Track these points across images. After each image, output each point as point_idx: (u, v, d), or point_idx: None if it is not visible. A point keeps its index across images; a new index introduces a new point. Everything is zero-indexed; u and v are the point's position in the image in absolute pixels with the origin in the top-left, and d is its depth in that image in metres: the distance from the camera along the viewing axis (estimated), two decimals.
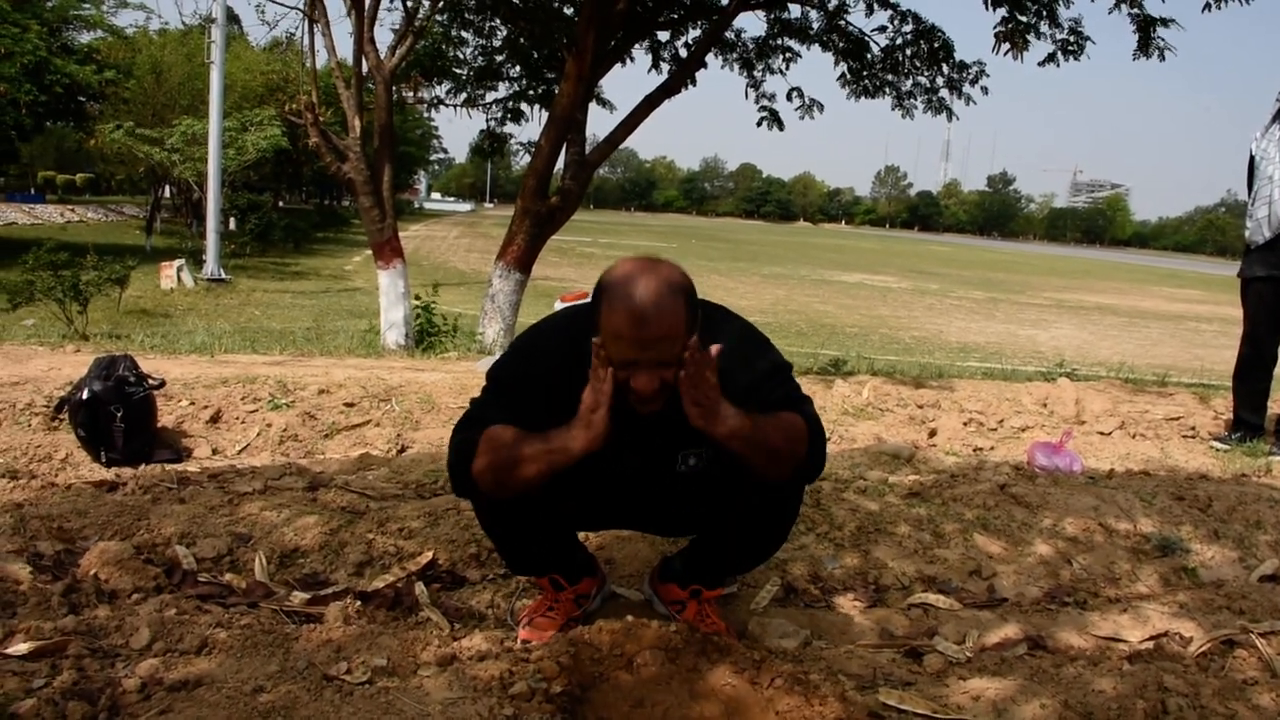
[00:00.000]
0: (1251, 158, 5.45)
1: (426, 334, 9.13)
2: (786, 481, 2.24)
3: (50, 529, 2.91)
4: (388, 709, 1.85)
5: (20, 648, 2.06)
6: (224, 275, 20.45)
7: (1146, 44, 7.89)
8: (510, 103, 10.79)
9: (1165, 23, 7.81)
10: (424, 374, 5.90)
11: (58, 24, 24.49)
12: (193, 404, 4.75)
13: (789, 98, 10.13)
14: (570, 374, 2.10)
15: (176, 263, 19.72)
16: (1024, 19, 8.10)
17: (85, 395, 4.01)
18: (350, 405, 4.95)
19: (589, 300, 2.12)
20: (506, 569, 2.83)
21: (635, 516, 2.53)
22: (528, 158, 9.36)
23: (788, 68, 10.10)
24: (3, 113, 21.54)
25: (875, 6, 9.13)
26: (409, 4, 9.22)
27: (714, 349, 1.97)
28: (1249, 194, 5.49)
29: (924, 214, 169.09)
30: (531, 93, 10.73)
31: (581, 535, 2.72)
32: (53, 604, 2.36)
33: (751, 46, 10.00)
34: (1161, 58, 7.90)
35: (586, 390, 2.04)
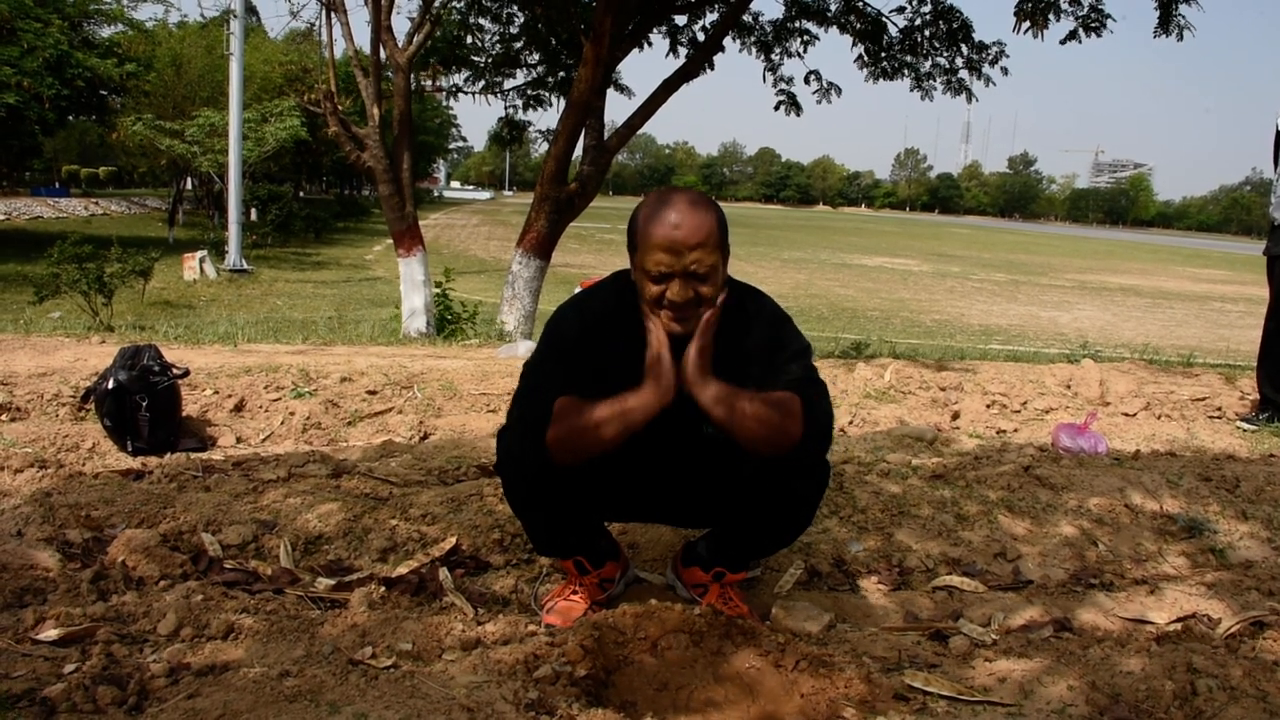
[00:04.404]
0: (1278, 133, 5.37)
1: (446, 321, 9.16)
2: (790, 459, 2.22)
3: (78, 517, 2.94)
4: (413, 693, 1.86)
5: (51, 633, 2.08)
6: (246, 266, 20.57)
7: (1167, 22, 7.80)
8: (529, 90, 10.78)
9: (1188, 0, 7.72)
10: (446, 361, 5.91)
11: (79, 18, 24.60)
12: (216, 393, 4.77)
13: (807, 81, 10.10)
14: (620, 327, 2.16)
15: (199, 254, 19.86)
16: None
17: (111, 385, 4.04)
18: (373, 393, 4.97)
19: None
20: (531, 551, 2.84)
21: (662, 497, 2.53)
22: (546, 145, 9.36)
23: (805, 51, 10.06)
24: (26, 107, 21.65)
25: None
26: None
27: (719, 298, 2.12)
28: (1275, 170, 5.42)
29: (944, 196, 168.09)
30: (550, 79, 10.72)
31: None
32: (82, 591, 2.38)
33: (769, 29, 9.96)
34: (1180, 37, 7.82)
35: (648, 348, 2.11)
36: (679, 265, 2.09)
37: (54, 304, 12.21)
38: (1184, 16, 7.77)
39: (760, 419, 2.11)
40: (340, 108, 9.00)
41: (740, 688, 2.09)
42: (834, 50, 10.27)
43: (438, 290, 9.27)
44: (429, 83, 11.50)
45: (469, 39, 10.52)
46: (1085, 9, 8.15)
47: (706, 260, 2.10)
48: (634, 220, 2.18)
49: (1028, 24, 8.02)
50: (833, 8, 9.66)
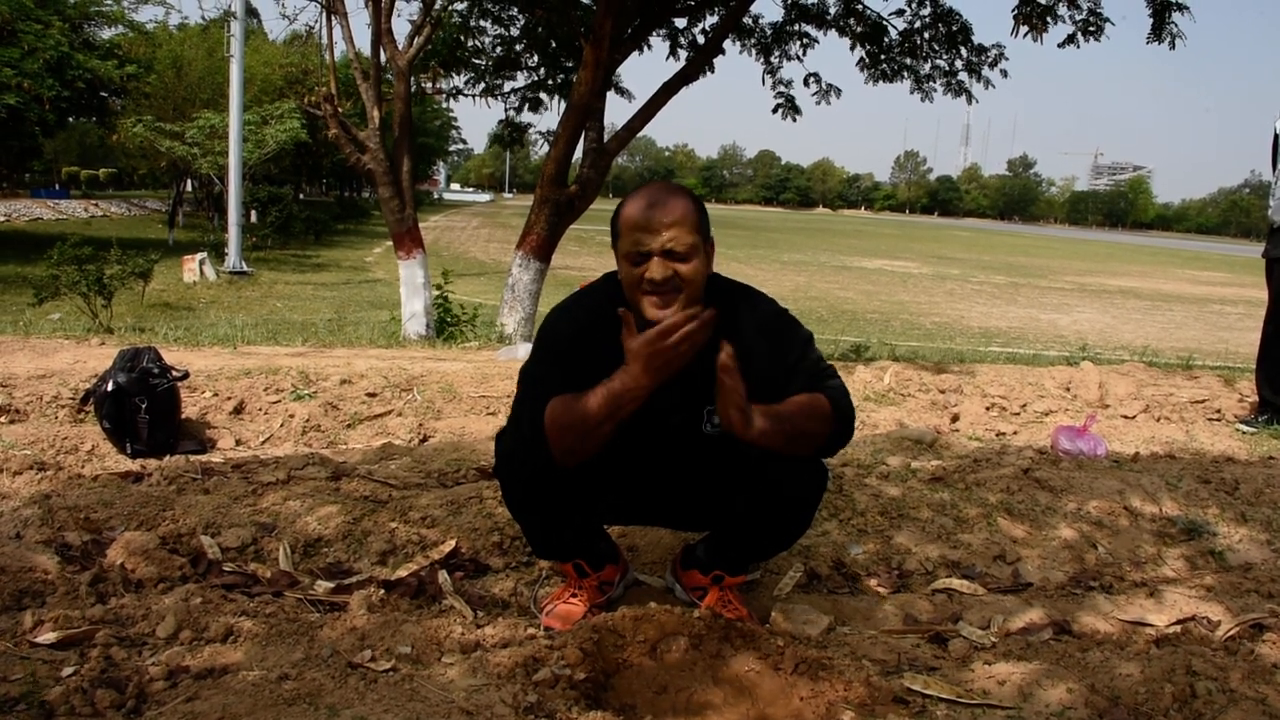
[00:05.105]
0: (1276, 136, 5.38)
1: (446, 323, 9.16)
2: (812, 458, 2.29)
3: (77, 519, 2.94)
4: (412, 696, 1.86)
5: (49, 636, 2.08)
6: (245, 268, 20.54)
7: (1160, 29, 7.82)
8: (529, 92, 10.78)
9: (1181, 8, 7.73)
10: (445, 363, 5.92)
11: (79, 20, 24.58)
12: (216, 395, 4.77)
13: (806, 83, 10.10)
14: (613, 327, 2.16)
15: (199, 256, 19.83)
16: (1043, 0, 8.03)
17: (110, 387, 4.04)
18: (372, 395, 4.97)
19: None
20: (531, 554, 2.84)
21: (661, 499, 2.53)
22: (546, 147, 9.36)
23: (805, 53, 10.06)
24: (27, 109, 21.63)
25: None
26: None
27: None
28: (1273, 173, 5.43)
29: (944, 199, 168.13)
30: (550, 82, 10.72)
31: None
32: (80, 593, 2.38)
33: (769, 32, 9.96)
34: (1172, 45, 7.83)
35: (625, 338, 2.10)
36: (655, 244, 2.13)
37: (53, 306, 12.19)
38: (1176, 24, 7.79)
39: (803, 433, 2.18)
40: (340, 110, 9.00)
41: (739, 691, 2.09)
42: (834, 51, 10.32)
43: (437, 292, 9.27)
44: (429, 85, 11.50)
45: (469, 41, 10.51)
46: (1084, 13, 8.16)
47: (683, 239, 2.14)
48: (615, 213, 2.25)
49: (1026, 28, 8.03)
50: (832, 11, 9.67)
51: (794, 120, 10.28)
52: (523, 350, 6.50)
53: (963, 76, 9.68)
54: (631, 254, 2.16)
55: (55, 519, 2.93)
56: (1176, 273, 41.83)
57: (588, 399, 2.11)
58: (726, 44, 9.39)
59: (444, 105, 46.89)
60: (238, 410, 4.70)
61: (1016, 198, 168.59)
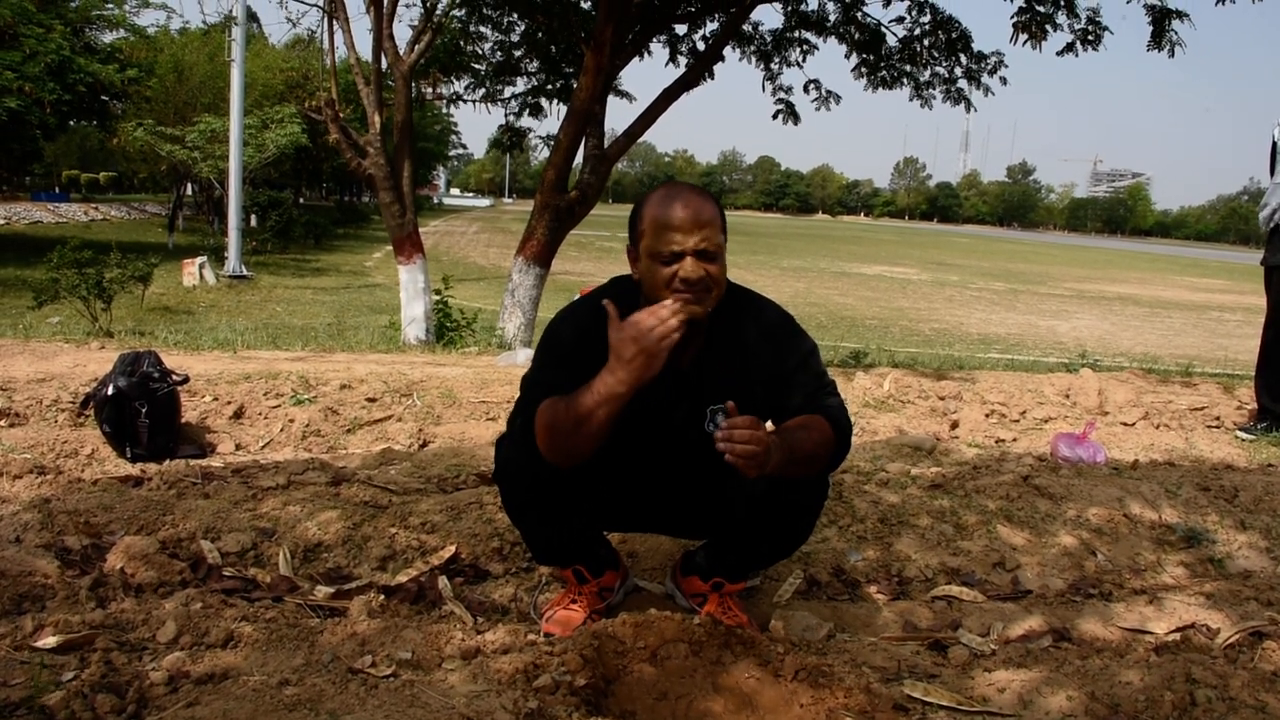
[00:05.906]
0: (1275, 144, 5.38)
1: (445, 328, 9.16)
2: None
3: (77, 524, 2.93)
4: (412, 702, 1.86)
5: (49, 640, 2.08)
6: (245, 272, 20.57)
7: (1160, 36, 7.82)
8: (529, 97, 10.79)
9: (1180, 16, 7.74)
10: (445, 369, 5.92)
11: (81, 24, 24.63)
12: (216, 400, 4.77)
13: (806, 90, 10.11)
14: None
15: (199, 260, 19.84)
16: (1042, 9, 8.04)
17: (110, 391, 4.04)
18: (372, 400, 4.97)
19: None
20: (531, 560, 2.84)
21: (662, 506, 2.53)
22: (547, 152, 9.37)
23: (804, 60, 10.07)
24: (27, 112, 21.63)
25: None
26: (427, 0, 9.24)
27: (730, 405, 2.06)
28: (1270, 179, 5.43)
29: (943, 205, 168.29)
30: (550, 87, 10.73)
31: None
32: (80, 598, 2.38)
33: (769, 39, 9.97)
34: (1172, 53, 7.84)
35: (610, 331, 2.10)
36: (689, 243, 2.14)
37: (53, 309, 12.20)
38: (1175, 32, 7.79)
39: (808, 459, 2.18)
40: (341, 115, 9.01)
41: (739, 698, 2.09)
42: (834, 57, 10.26)
43: (437, 297, 9.27)
44: (429, 90, 11.52)
45: (469, 47, 10.52)
46: (1083, 21, 8.17)
47: (714, 239, 2.16)
48: (639, 210, 2.24)
49: (1025, 36, 8.03)
50: (832, 18, 9.68)
51: (794, 124, 10.31)
52: (523, 355, 6.50)
53: (962, 84, 9.70)
54: (662, 253, 2.16)
55: (55, 523, 2.93)
56: (1175, 279, 41.89)
57: (573, 399, 2.11)
58: (726, 50, 9.40)
59: (444, 110, 46.92)
60: (238, 415, 4.70)
61: (1016, 204, 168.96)
